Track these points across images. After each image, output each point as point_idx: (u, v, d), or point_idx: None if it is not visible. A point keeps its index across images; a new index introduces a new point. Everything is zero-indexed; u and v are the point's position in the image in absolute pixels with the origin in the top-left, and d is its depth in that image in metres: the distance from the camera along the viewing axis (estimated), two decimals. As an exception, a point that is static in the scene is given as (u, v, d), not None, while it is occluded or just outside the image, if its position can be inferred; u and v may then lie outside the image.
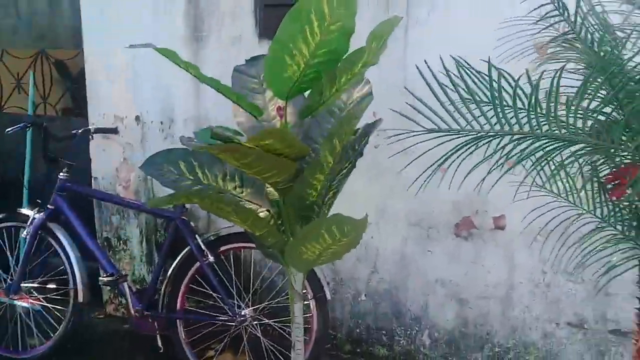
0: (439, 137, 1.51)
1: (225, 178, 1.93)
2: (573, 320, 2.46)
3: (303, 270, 1.95)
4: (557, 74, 1.41)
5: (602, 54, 1.59)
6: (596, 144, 1.38)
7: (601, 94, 1.58)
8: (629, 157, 1.42)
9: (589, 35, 1.65)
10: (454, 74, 1.53)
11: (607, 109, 1.53)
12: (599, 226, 1.76)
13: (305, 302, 2.68)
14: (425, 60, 1.53)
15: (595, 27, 1.63)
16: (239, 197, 1.92)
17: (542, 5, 1.76)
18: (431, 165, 1.48)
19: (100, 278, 2.83)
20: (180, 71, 1.67)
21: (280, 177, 1.73)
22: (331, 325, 2.95)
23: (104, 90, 3.13)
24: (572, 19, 1.69)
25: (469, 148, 1.50)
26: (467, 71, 1.60)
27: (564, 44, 1.81)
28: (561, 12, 1.73)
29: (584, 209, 1.76)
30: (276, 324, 2.82)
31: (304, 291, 2.62)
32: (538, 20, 1.83)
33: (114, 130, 3.11)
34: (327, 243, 1.74)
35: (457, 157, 1.48)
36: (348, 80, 1.68)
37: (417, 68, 1.49)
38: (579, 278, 2.40)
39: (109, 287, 3.37)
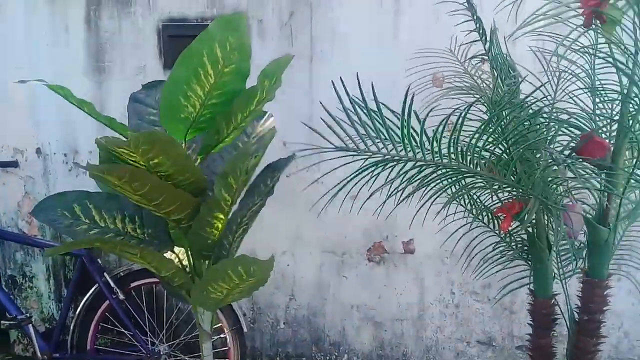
0: (349, 160, 1.53)
1: (124, 219, 1.87)
2: (482, 339, 2.55)
3: (212, 309, 1.92)
4: (463, 113, 1.47)
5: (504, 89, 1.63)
6: (487, 178, 1.44)
7: (494, 133, 1.66)
8: (514, 192, 1.49)
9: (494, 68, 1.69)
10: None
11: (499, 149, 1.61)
12: (498, 243, 1.83)
13: (222, 335, 2.65)
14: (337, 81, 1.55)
15: (500, 61, 1.67)
16: (139, 237, 1.86)
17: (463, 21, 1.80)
18: (337, 185, 1.49)
19: (2, 322, 2.67)
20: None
21: (181, 212, 1.70)
22: (250, 355, 2.92)
23: (2, 121, 2.96)
24: (488, 45, 1.73)
25: (373, 170, 1.53)
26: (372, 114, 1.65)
27: (464, 80, 1.89)
28: (480, 33, 1.77)
29: (486, 225, 1.82)
30: (192, 359, 2.75)
31: (219, 324, 2.59)
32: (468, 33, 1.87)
33: (14, 164, 2.95)
34: (234, 282, 1.72)
35: (364, 181, 1.51)
36: (244, 117, 1.69)
37: (321, 104, 1.52)
38: (485, 297, 2.50)
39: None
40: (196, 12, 2.65)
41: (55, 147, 2.91)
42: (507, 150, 1.52)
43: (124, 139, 1.44)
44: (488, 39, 1.62)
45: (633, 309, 2.30)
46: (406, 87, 2.00)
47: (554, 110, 1.48)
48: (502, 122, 1.45)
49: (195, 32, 2.68)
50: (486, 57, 1.71)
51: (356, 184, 1.58)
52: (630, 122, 1.32)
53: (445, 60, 1.97)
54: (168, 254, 1.87)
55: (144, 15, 2.72)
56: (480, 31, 1.71)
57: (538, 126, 1.44)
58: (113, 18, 2.76)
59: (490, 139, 1.46)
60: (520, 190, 1.41)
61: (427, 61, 2.00)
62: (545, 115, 1.44)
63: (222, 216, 1.69)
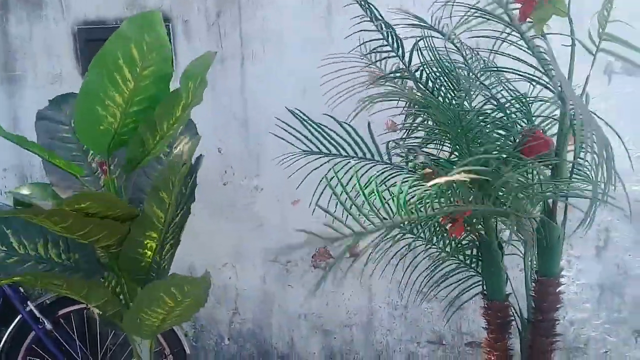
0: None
1: (47, 245, 1.69)
2: (432, 338, 2.52)
3: (148, 337, 1.76)
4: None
5: (440, 98, 1.57)
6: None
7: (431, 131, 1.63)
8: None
9: (426, 78, 1.62)
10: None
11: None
12: (443, 256, 1.80)
13: None
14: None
15: (436, 72, 1.58)
16: (65, 264, 1.69)
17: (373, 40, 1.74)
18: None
19: None
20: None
21: (110, 239, 1.55)
22: (195, 375, 2.77)
23: None
24: (406, 58, 1.67)
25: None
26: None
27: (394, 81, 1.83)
28: (394, 48, 1.71)
29: (430, 243, 1.78)
30: (132, 386, 2.57)
31: (159, 348, 2.43)
32: (366, 54, 1.81)
33: None
34: (170, 306, 1.58)
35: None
36: (172, 125, 1.55)
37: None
38: (433, 296, 2.46)
39: None
40: (114, 14, 2.47)
41: (-35, 166, 2.66)
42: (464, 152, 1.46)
43: (39, 206, 1.31)
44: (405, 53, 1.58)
45: (576, 298, 2.32)
46: (338, 86, 1.93)
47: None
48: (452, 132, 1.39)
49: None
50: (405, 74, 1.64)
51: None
52: (571, 120, 1.30)
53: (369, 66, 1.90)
54: (98, 281, 1.71)
55: (56, 19, 2.51)
56: (395, 44, 1.66)
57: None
58: (22, 23, 2.53)
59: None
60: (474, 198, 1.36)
61: (356, 64, 1.91)
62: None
63: (155, 235, 1.55)
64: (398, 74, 1.63)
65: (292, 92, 2.39)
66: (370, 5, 1.66)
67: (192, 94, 1.46)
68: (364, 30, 1.72)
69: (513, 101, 1.50)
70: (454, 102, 1.43)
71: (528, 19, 1.36)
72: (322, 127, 1.61)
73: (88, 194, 1.45)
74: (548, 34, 1.40)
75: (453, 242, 1.65)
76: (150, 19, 1.35)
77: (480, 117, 1.45)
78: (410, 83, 1.67)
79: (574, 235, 2.25)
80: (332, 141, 1.62)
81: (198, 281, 1.50)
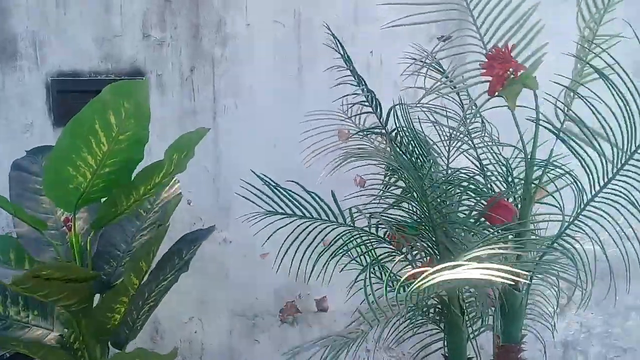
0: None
1: (6, 301, 1.65)
2: (398, 396, 2.51)
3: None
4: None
5: (413, 159, 1.61)
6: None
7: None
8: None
9: (401, 139, 1.65)
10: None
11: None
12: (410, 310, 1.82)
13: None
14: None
15: (409, 135, 1.62)
16: (23, 322, 1.65)
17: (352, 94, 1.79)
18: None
19: None
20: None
21: (70, 300, 1.52)
22: None
23: None
24: (384, 118, 1.72)
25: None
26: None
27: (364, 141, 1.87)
28: (372, 106, 1.76)
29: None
30: None
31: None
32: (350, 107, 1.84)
33: None
34: None
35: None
36: (148, 190, 1.56)
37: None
38: (400, 353, 2.47)
39: None
40: (89, 66, 2.49)
41: None
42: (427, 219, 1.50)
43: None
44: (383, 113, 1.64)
45: (540, 356, 2.35)
46: (311, 144, 1.97)
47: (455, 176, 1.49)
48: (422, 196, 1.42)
49: (88, 87, 2.55)
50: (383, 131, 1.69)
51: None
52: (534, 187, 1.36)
53: (344, 121, 1.95)
54: (57, 339, 1.67)
55: (30, 69, 2.52)
56: (374, 104, 1.71)
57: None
58: (-5, 73, 2.54)
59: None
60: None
61: (328, 122, 1.96)
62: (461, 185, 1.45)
63: (126, 300, 1.53)
64: (377, 130, 1.68)
65: (263, 147, 2.43)
66: (356, 73, 1.71)
67: (176, 165, 1.48)
68: (343, 83, 1.78)
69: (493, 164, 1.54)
70: (424, 167, 1.47)
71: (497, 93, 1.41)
72: (287, 191, 1.65)
73: (54, 264, 1.43)
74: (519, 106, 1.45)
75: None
76: (132, 86, 1.37)
77: (449, 184, 1.50)
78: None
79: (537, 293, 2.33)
80: (297, 204, 1.66)
81: (164, 357, 1.49)
